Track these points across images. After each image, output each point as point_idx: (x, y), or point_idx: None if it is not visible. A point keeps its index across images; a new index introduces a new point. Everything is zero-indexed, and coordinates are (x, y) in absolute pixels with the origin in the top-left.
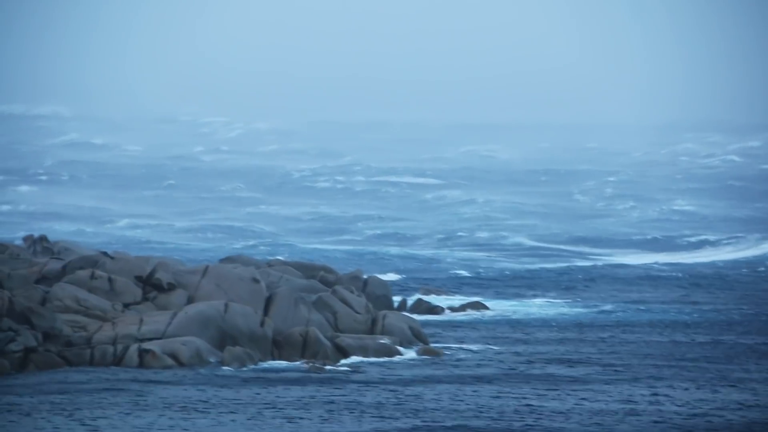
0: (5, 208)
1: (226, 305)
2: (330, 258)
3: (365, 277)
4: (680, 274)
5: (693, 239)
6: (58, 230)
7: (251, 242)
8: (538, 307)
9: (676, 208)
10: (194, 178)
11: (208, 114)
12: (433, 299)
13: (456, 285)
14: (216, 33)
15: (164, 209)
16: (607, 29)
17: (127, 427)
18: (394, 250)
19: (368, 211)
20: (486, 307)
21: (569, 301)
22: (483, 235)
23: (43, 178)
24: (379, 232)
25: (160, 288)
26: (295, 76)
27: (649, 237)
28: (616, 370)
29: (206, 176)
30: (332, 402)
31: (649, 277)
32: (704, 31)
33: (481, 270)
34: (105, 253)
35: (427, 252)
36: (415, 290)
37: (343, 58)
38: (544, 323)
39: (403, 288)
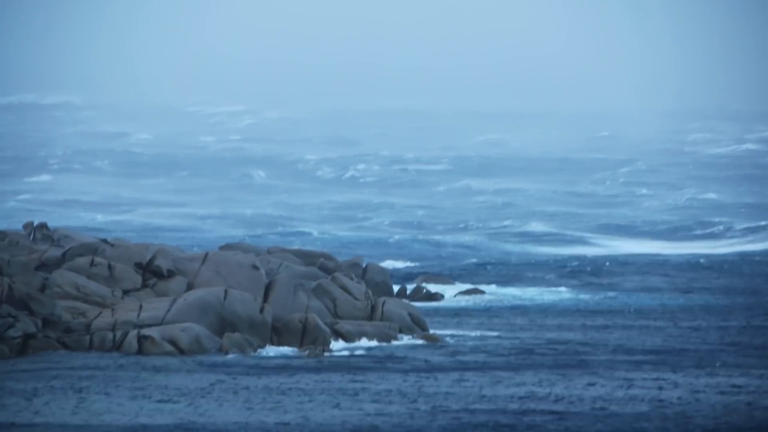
0: (23, 197)
1: (225, 292)
2: (340, 244)
3: (365, 264)
4: (697, 261)
5: (711, 228)
6: (74, 218)
7: (261, 230)
8: (540, 293)
9: (693, 196)
10: (205, 167)
11: (216, 103)
12: (433, 286)
13: (460, 271)
14: (222, 22)
15: (177, 197)
16: (596, 16)
17: (126, 411)
18: (406, 237)
19: (380, 198)
20: (487, 294)
21: (574, 287)
22: (493, 223)
23: (58, 166)
24: (387, 220)
25: (159, 275)
26: (301, 65)
27: (665, 226)
28: (619, 356)
29: (217, 165)
30: (332, 388)
31: (659, 265)
32: (698, 18)
33: (488, 257)
34: (105, 240)
35: (438, 239)
36: (420, 276)
37: (337, 46)
38: (547, 309)
39: (411, 274)
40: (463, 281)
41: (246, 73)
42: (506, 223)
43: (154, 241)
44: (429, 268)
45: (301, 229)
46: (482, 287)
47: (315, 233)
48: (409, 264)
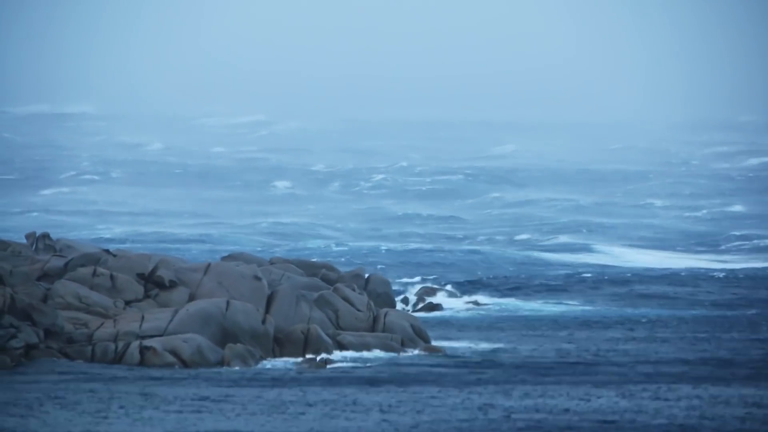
0: (41, 208)
1: (227, 303)
2: (357, 255)
3: (367, 275)
4: (715, 274)
5: (733, 242)
6: (91, 229)
7: (278, 241)
8: (550, 304)
9: (712, 209)
10: (223, 178)
11: (230, 115)
12: (437, 297)
13: (470, 282)
14: (233, 34)
15: (194, 208)
16: (604, 25)
17: (128, 421)
18: (421, 248)
19: (397, 209)
20: (492, 305)
21: (587, 299)
22: (510, 234)
23: (76, 178)
24: (404, 231)
25: (161, 285)
26: (314, 77)
27: (683, 238)
28: (622, 368)
29: (234, 175)
30: (334, 400)
31: (677, 277)
32: (703, 29)
33: (500, 267)
34: (107, 251)
35: (455, 249)
36: (422, 287)
37: (348, 57)
38: (555, 321)
39: (423, 286)
40: (472, 292)
41: (258, 84)
42: (522, 233)
43: (174, 253)
44: (442, 278)
45: (317, 239)
46: (491, 298)
47: (332, 244)
48: (421, 278)
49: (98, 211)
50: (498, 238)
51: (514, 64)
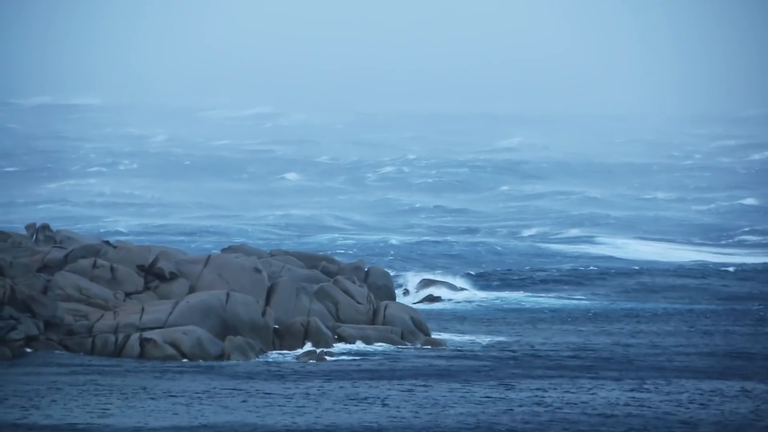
0: (48, 201)
1: (227, 295)
2: (365, 248)
3: (367, 267)
4: (725, 268)
5: (742, 236)
6: (98, 221)
7: (286, 233)
8: (549, 297)
9: (722, 202)
10: (230, 170)
11: (237, 107)
12: (438, 289)
13: (474, 275)
14: (229, 25)
15: (202, 199)
16: (606, 18)
17: (129, 413)
18: (429, 240)
19: (405, 201)
20: (492, 297)
21: (583, 292)
22: (517, 227)
23: (83, 170)
24: (412, 223)
25: (161, 277)
26: (319, 69)
27: (692, 232)
28: (629, 361)
29: (241, 167)
30: (335, 393)
31: (679, 271)
32: (699, 22)
33: (506, 260)
34: (107, 242)
35: (461, 241)
36: (423, 280)
37: (343, 50)
38: (556, 314)
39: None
40: (477, 284)
41: (263, 76)
42: (529, 226)
43: (180, 245)
44: (448, 271)
45: (325, 231)
46: (495, 291)
47: (339, 237)
48: (429, 270)
49: (105, 202)
50: (504, 230)
51: (518, 57)
